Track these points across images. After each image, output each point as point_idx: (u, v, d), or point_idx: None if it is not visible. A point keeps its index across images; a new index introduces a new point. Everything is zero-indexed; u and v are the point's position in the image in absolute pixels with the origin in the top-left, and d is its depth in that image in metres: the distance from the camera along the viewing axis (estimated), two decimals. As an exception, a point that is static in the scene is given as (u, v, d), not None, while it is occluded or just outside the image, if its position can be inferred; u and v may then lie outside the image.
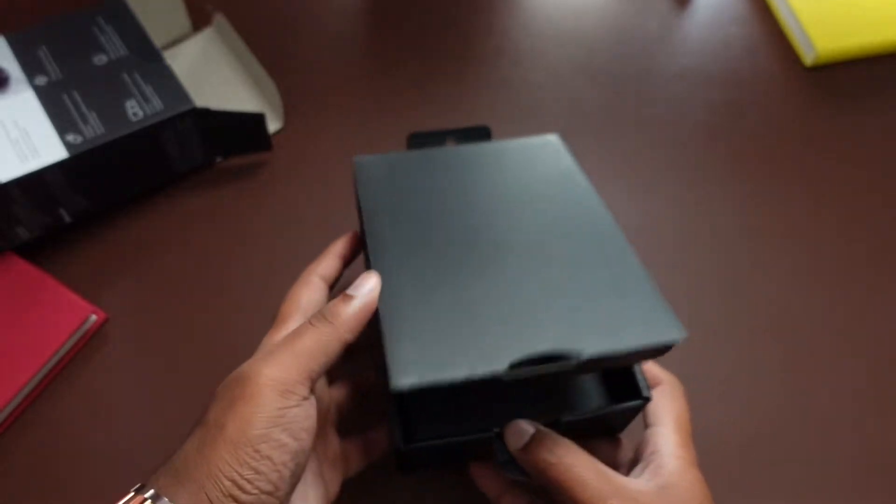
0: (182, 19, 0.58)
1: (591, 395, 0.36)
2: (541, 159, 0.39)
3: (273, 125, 0.54)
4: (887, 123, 0.57)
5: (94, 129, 0.45)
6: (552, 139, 0.42)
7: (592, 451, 0.35)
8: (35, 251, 0.48)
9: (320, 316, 0.30)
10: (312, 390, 0.30)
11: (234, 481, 0.26)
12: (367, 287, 0.31)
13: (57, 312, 0.44)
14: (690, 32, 0.62)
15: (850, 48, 0.59)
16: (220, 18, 0.57)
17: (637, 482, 0.29)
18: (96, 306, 0.46)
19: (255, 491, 0.27)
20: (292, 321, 0.33)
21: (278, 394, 0.28)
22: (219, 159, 0.53)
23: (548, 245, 0.34)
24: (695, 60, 0.60)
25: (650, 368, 0.36)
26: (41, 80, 0.47)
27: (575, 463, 0.29)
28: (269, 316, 0.47)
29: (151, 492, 0.26)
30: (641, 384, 0.34)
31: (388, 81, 0.58)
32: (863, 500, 0.42)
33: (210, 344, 0.46)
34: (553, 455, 0.29)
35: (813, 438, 0.44)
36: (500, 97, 0.57)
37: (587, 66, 0.60)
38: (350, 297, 0.31)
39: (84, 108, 0.46)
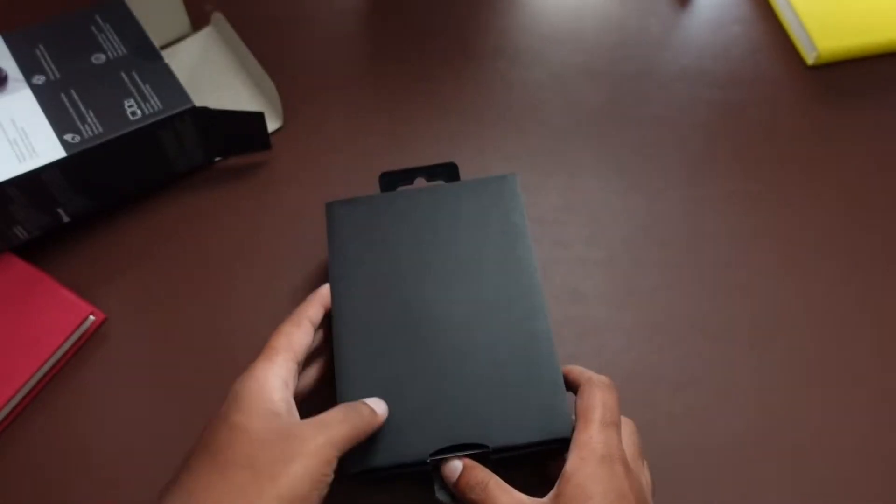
0: (181, 19, 0.58)
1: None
2: (492, 204, 0.44)
3: (272, 124, 0.54)
4: (889, 122, 0.57)
5: (92, 128, 0.45)
6: (508, 180, 0.45)
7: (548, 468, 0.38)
8: (33, 251, 0.47)
9: (357, 412, 0.35)
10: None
11: None
12: (377, 401, 0.37)
13: (55, 312, 0.44)
14: (691, 32, 0.62)
15: (851, 47, 0.59)
16: (219, 18, 0.57)
17: (540, 499, 0.33)
18: (95, 306, 0.46)
19: None
20: (280, 358, 0.35)
21: (325, 461, 0.31)
22: (218, 159, 0.53)
23: (477, 326, 0.40)
24: (695, 60, 0.60)
25: (573, 373, 0.38)
26: (39, 80, 0.47)
27: (495, 497, 0.33)
28: (269, 316, 0.46)
29: None
30: (565, 425, 0.37)
31: (387, 80, 0.58)
32: (862, 500, 0.42)
33: (209, 344, 0.46)
34: (475, 492, 0.34)
35: (813, 439, 0.44)
36: (499, 97, 0.57)
37: (587, 66, 0.60)
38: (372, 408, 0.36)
39: (82, 108, 0.46)
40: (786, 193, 0.53)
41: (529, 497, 0.33)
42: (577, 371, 0.38)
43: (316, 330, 0.39)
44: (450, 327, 0.40)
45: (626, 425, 0.37)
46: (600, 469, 0.32)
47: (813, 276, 0.50)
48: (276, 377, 0.34)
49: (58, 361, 0.44)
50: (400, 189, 0.46)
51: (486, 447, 0.36)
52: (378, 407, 0.36)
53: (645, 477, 0.36)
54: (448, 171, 0.47)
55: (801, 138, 0.56)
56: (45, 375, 0.44)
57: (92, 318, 0.45)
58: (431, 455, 0.36)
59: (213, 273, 0.48)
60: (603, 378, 0.37)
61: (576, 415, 0.35)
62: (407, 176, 0.47)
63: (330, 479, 0.31)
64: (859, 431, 0.44)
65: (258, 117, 0.50)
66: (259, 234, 0.50)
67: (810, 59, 0.59)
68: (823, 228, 0.52)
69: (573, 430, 0.35)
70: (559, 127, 0.56)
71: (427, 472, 0.37)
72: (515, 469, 0.36)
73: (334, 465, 0.31)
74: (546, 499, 0.33)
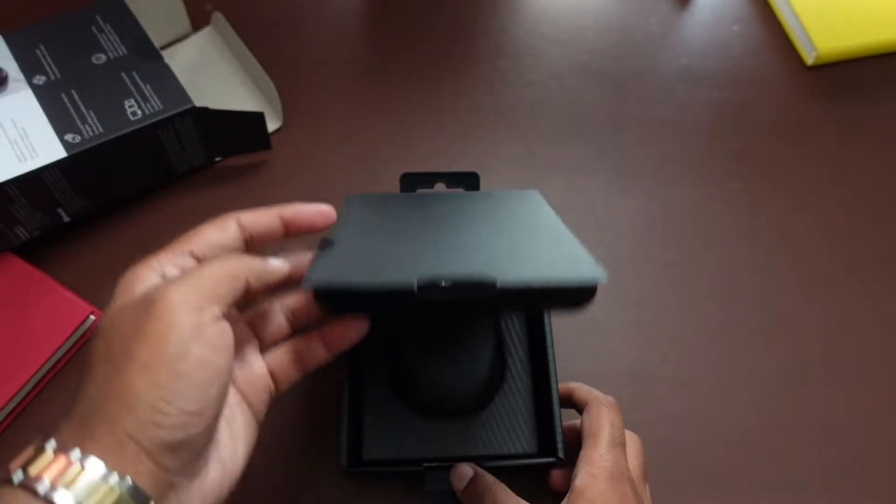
0: (181, 19, 0.58)
1: (522, 442, 0.41)
2: (521, 210, 0.38)
3: (272, 124, 0.54)
4: (888, 123, 0.57)
5: (92, 128, 0.45)
6: (533, 194, 0.41)
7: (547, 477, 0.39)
8: (34, 251, 0.47)
9: (231, 254, 0.30)
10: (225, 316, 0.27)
11: (152, 406, 0.24)
12: (298, 258, 0.31)
13: (56, 312, 0.44)
14: (691, 32, 0.62)
15: (851, 48, 0.59)
16: (218, 18, 0.57)
17: None
18: (95, 306, 0.46)
19: (177, 412, 0.24)
20: (166, 252, 0.29)
21: (191, 310, 0.25)
22: (218, 159, 0.53)
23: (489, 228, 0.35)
24: (695, 60, 0.60)
25: (580, 392, 0.38)
26: (40, 80, 0.47)
27: (499, 496, 0.34)
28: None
29: (52, 443, 0.24)
30: (559, 444, 0.37)
31: (387, 79, 0.58)
32: (862, 500, 0.42)
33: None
34: (484, 497, 0.34)
35: (813, 439, 0.44)
36: (499, 96, 0.57)
37: (587, 66, 0.60)
38: (272, 259, 0.31)
39: (83, 108, 0.46)
40: (785, 193, 0.53)
41: None
42: (584, 390, 0.38)
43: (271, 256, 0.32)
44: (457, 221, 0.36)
45: (635, 443, 0.37)
46: (610, 487, 0.33)
47: (813, 275, 0.50)
48: (148, 269, 0.29)
49: (58, 361, 0.44)
50: (420, 191, 0.44)
51: (493, 284, 0.27)
52: (274, 260, 0.31)
53: (647, 498, 0.36)
54: (469, 180, 0.46)
55: (801, 138, 0.56)
56: (45, 375, 0.44)
57: (92, 317, 0.45)
58: (426, 463, 0.37)
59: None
60: (610, 398, 0.37)
61: (583, 433, 0.36)
62: (428, 179, 0.46)
63: (210, 328, 0.26)
64: (860, 431, 0.44)
65: (258, 117, 0.50)
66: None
67: (810, 59, 0.59)
68: (823, 228, 0.52)
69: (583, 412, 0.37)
70: (559, 127, 0.56)
71: (420, 473, 0.37)
72: (515, 485, 0.36)
73: (214, 312, 0.26)
74: None
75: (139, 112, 0.46)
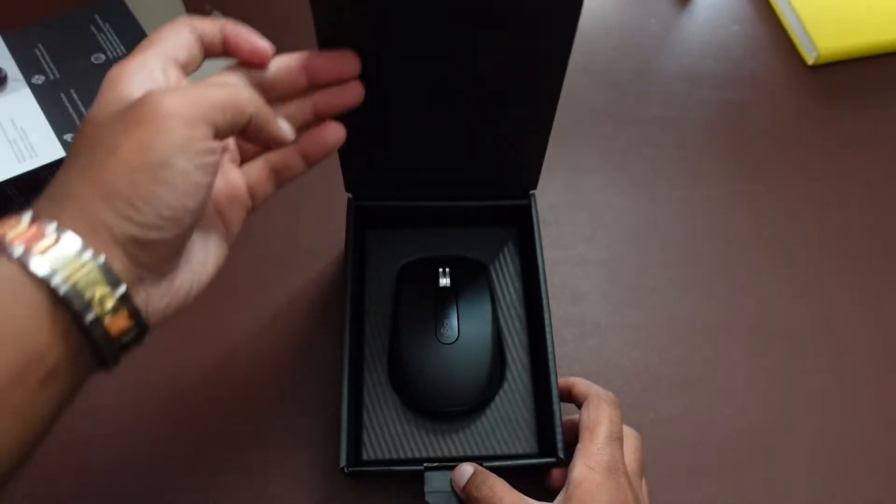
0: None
1: (522, 442, 0.42)
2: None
3: (272, 125, 0.54)
4: (889, 122, 0.57)
5: (92, 128, 0.45)
6: None
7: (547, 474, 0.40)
8: (33, 251, 0.47)
9: (244, 86, 0.30)
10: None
11: (129, 202, 0.24)
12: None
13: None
14: (691, 32, 0.62)
15: (851, 47, 0.59)
16: (218, 17, 0.57)
17: (547, 503, 0.34)
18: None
19: (152, 214, 0.24)
20: (140, 57, 0.28)
21: (183, 123, 0.25)
22: (217, 159, 0.53)
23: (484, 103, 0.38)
24: (696, 60, 0.60)
25: (579, 386, 0.38)
26: (39, 80, 0.47)
27: (501, 496, 0.34)
28: (270, 317, 0.46)
29: (28, 215, 0.23)
30: (559, 444, 0.38)
31: (387, 81, 0.58)
32: (862, 501, 0.42)
33: (209, 343, 0.46)
34: (482, 491, 0.35)
35: (812, 440, 0.44)
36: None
37: (587, 66, 0.59)
38: (283, 121, 0.31)
39: (82, 108, 0.46)
40: (786, 193, 0.53)
41: (535, 500, 0.34)
42: (584, 384, 0.39)
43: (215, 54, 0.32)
44: (460, 96, 0.37)
45: (634, 439, 0.37)
46: (607, 479, 0.33)
47: (813, 275, 0.50)
48: (134, 71, 0.27)
49: (57, 361, 0.44)
50: None
51: None
52: (285, 123, 0.31)
53: (643, 494, 0.36)
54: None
55: (801, 138, 0.56)
56: (44, 375, 0.44)
57: (91, 318, 0.45)
58: (425, 463, 0.38)
59: (212, 273, 0.48)
60: (609, 394, 0.37)
61: (581, 427, 0.36)
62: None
63: (200, 144, 0.25)
64: (860, 432, 0.44)
65: (258, 117, 0.50)
66: (258, 234, 0.50)
67: (810, 59, 0.59)
68: (823, 228, 0.52)
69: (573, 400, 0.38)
70: (559, 127, 0.56)
71: (419, 473, 0.38)
72: (515, 485, 0.36)
73: (206, 131, 0.26)
74: (555, 503, 0.34)
75: (138, 112, 0.46)
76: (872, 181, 0.54)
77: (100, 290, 0.23)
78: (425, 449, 0.41)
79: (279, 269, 0.49)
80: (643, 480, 0.37)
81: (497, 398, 0.42)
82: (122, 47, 0.49)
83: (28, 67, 0.47)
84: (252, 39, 0.32)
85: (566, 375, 0.40)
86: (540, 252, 0.43)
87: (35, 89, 0.46)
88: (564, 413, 0.38)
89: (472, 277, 0.45)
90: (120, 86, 0.26)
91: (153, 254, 0.25)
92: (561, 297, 0.48)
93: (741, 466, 0.43)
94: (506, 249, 0.48)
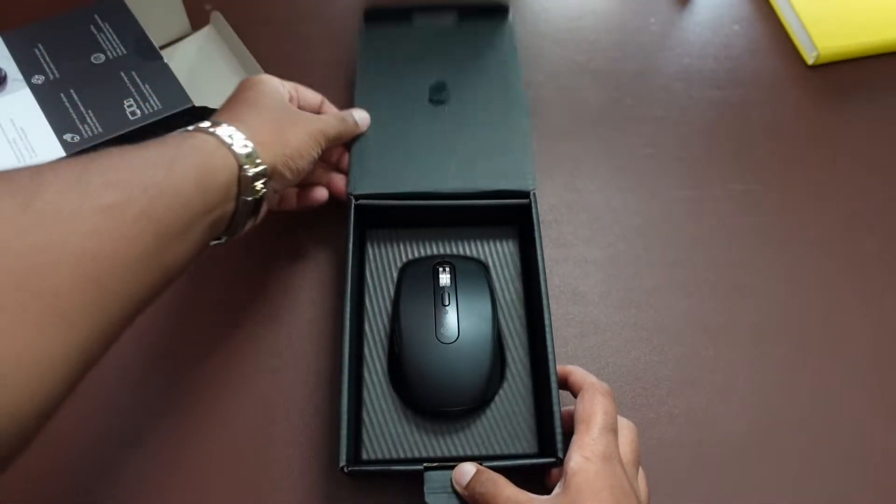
0: (180, 18, 0.58)
1: (521, 442, 0.42)
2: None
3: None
4: (889, 122, 0.57)
5: (91, 128, 0.45)
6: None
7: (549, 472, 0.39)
8: (33, 251, 0.47)
9: (345, 120, 0.46)
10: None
11: (295, 152, 0.40)
12: (363, 116, 0.48)
13: (54, 312, 0.44)
14: (691, 32, 0.62)
15: (851, 47, 0.59)
16: (218, 17, 0.57)
17: (546, 497, 0.34)
18: (94, 306, 0.46)
19: (297, 168, 0.40)
20: (275, 78, 0.44)
21: (320, 134, 0.42)
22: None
23: (470, 113, 0.49)
24: (695, 60, 0.60)
25: (575, 376, 0.39)
26: (39, 79, 0.47)
27: (501, 493, 0.35)
28: (269, 316, 0.46)
29: (230, 126, 0.37)
30: (559, 445, 0.37)
31: (387, 81, 0.58)
32: (861, 500, 0.42)
33: (208, 344, 0.46)
34: (485, 486, 0.35)
35: (812, 439, 0.44)
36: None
37: (587, 66, 0.59)
38: (356, 120, 0.47)
39: (82, 108, 0.46)
40: (786, 193, 0.53)
41: (537, 496, 0.34)
42: (579, 374, 0.39)
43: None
44: (449, 115, 0.49)
45: (630, 430, 0.38)
46: (605, 467, 0.33)
47: (813, 275, 0.50)
48: (277, 80, 0.43)
49: (57, 361, 0.44)
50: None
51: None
52: (362, 121, 0.47)
53: (641, 484, 0.37)
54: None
55: (801, 138, 0.56)
56: (44, 375, 0.44)
57: (91, 318, 0.45)
58: (425, 463, 0.37)
59: (210, 272, 0.48)
60: (604, 385, 0.38)
61: (576, 418, 0.36)
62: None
63: (317, 153, 0.42)
64: (859, 432, 0.44)
65: (258, 117, 0.50)
66: (257, 233, 0.50)
67: (810, 58, 0.59)
68: (824, 228, 0.52)
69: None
70: (559, 127, 0.56)
71: (419, 473, 0.37)
72: (515, 482, 0.36)
73: (322, 144, 0.42)
74: (553, 495, 0.34)
75: (138, 112, 0.46)
76: (872, 181, 0.54)
77: (259, 181, 0.37)
78: (425, 449, 0.41)
79: (279, 268, 0.49)
80: (641, 472, 0.37)
81: (497, 398, 0.42)
82: (121, 47, 0.49)
83: (28, 67, 0.47)
84: (313, 97, 0.47)
85: (564, 363, 0.40)
86: (540, 252, 0.43)
87: (35, 89, 0.46)
88: (563, 404, 0.38)
89: (472, 277, 0.45)
90: (276, 85, 0.43)
91: (283, 182, 0.40)
92: (561, 297, 0.48)
93: (741, 466, 0.43)
94: (506, 249, 0.48)
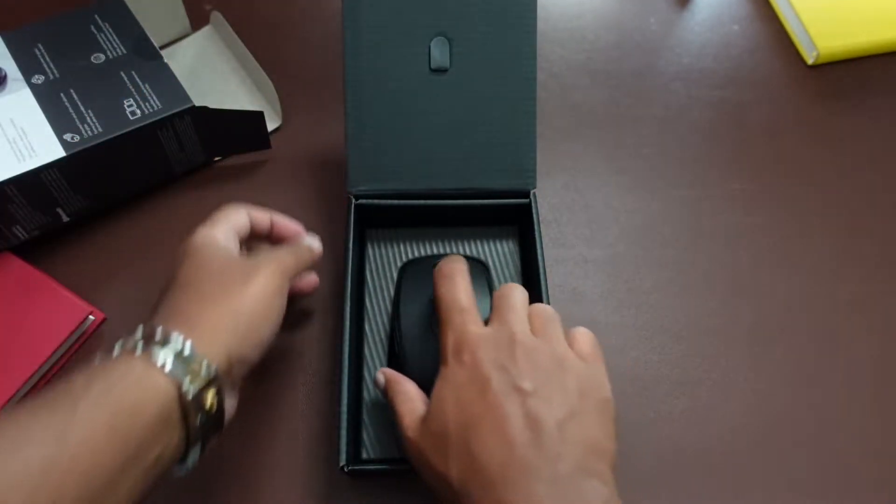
0: (180, 18, 0.58)
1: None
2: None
3: (271, 124, 0.54)
4: (889, 122, 0.57)
5: (91, 128, 0.45)
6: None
7: None
8: (33, 251, 0.47)
9: (299, 249, 0.40)
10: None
11: (249, 329, 0.34)
12: (313, 240, 0.42)
13: (55, 312, 0.44)
14: (691, 32, 0.62)
15: (851, 47, 0.59)
16: (218, 17, 0.57)
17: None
18: (94, 306, 0.46)
19: (260, 340, 0.35)
20: (220, 225, 0.38)
21: (280, 279, 0.37)
22: (217, 158, 0.53)
23: (474, 93, 0.45)
24: (695, 60, 0.60)
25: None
26: (39, 79, 0.47)
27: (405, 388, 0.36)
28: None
29: (160, 327, 0.32)
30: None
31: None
32: (860, 500, 0.42)
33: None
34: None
35: (812, 439, 0.44)
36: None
37: (587, 66, 0.59)
38: (310, 246, 0.42)
39: (82, 107, 0.45)
40: (785, 193, 0.53)
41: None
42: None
43: (257, 239, 0.42)
44: (451, 88, 0.44)
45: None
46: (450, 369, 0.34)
47: (813, 275, 0.50)
48: (219, 233, 0.38)
49: (57, 361, 0.44)
50: None
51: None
52: (314, 245, 0.42)
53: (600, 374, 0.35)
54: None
55: (801, 138, 0.56)
56: (44, 375, 0.44)
57: (91, 318, 0.45)
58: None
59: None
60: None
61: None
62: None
63: (283, 297, 0.37)
64: (858, 432, 0.44)
65: (257, 116, 0.50)
66: (258, 233, 0.50)
67: (810, 58, 0.59)
68: (823, 228, 0.52)
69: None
70: (559, 127, 0.56)
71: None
72: None
73: (286, 286, 0.37)
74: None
75: (138, 111, 0.46)
76: (872, 180, 0.54)
77: (210, 391, 0.31)
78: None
79: (279, 268, 0.49)
80: (595, 363, 0.35)
81: None
82: (121, 47, 0.49)
83: (28, 67, 0.47)
84: (291, 226, 0.43)
85: None
86: (540, 252, 0.43)
87: (35, 89, 0.46)
88: None
89: (473, 277, 0.45)
90: (216, 243, 0.37)
91: (245, 365, 0.34)
92: (561, 297, 0.48)
93: (741, 466, 0.43)
94: (506, 249, 0.48)
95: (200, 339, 0.31)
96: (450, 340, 0.34)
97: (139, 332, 0.31)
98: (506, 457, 0.29)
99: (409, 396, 0.35)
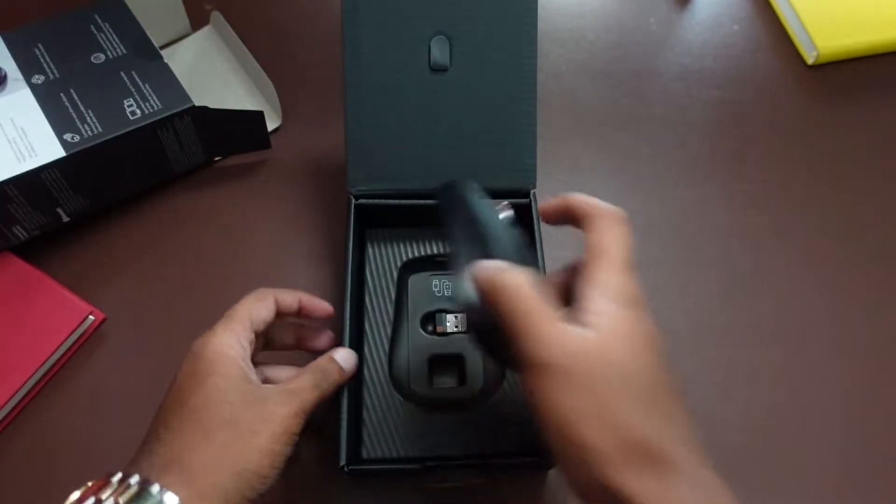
0: (180, 18, 0.58)
1: (523, 439, 0.41)
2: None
3: (271, 124, 0.54)
4: (889, 122, 0.57)
5: (91, 128, 0.45)
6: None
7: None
8: (33, 251, 0.47)
9: (325, 375, 0.35)
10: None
11: (251, 481, 0.31)
12: (347, 356, 0.37)
13: (55, 312, 0.44)
14: (691, 32, 0.62)
15: (851, 47, 0.59)
16: (218, 17, 0.57)
17: (575, 334, 0.28)
18: (94, 306, 0.46)
19: (260, 489, 0.32)
20: (239, 325, 0.35)
21: (296, 423, 0.32)
22: (217, 158, 0.53)
23: (475, 94, 0.44)
24: (695, 60, 0.60)
25: (577, 202, 0.34)
26: (39, 79, 0.47)
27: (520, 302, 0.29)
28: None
29: (157, 487, 0.28)
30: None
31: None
32: (863, 500, 0.42)
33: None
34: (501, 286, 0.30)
35: (811, 439, 0.44)
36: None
37: (587, 66, 0.59)
38: (341, 366, 0.36)
39: (82, 107, 0.46)
40: (785, 193, 0.53)
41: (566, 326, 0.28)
42: (582, 201, 0.34)
43: (280, 322, 0.39)
44: (451, 87, 0.43)
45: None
46: (635, 314, 0.30)
47: (813, 275, 0.50)
48: (238, 342, 0.34)
49: (57, 361, 0.44)
50: None
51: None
52: (346, 363, 0.37)
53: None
54: None
55: (801, 138, 0.56)
56: (44, 375, 0.44)
57: (91, 317, 0.45)
58: (427, 462, 0.37)
59: (212, 272, 0.48)
60: (619, 210, 0.32)
61: (589, 251, 0.31)
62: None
63: (295, 439, 0.33)
64: (859, 431, 0.44)
65: (257, 116, 0.50)
66: (258, 233, 0.50)
67: (810, 58, 0.59)
68: (823, 227, 0.52)
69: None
70: (559, 127, 0.56)
71: (419, 472, 0.37)
72: (516, 482, 0.36)
73: (301, 425, 0.33)
74: (580, 335, 0.28)
75: (138, 111, 0.46)
76: (872, 180, 0.54)
77: None
78: (425, 446, 0.41)
79: (280, 268, 0.49)
80: None
81: (497, 397, 0.42)
82: (121, 47, 0.49)
83: (28, 67, 0.47)
84: (322, 308, 0.40)
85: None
86: (540, 251, 0.43)
87: (35, 89, 0.46)
88: None
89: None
90: (229, 361, 0.33)
91: None
92: (561, 297, 0.48)
93: (741, 466, 0.43)
94: None
95: (202, 491, 0.29)
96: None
97: (135, 481, 0.29)
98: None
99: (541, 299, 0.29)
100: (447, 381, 0.42)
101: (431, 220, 0.47)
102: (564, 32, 0.61)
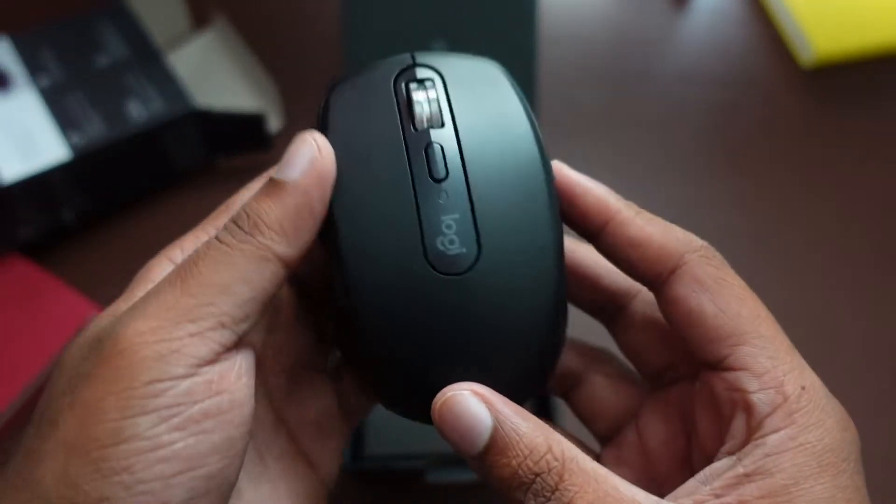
0: (182, 20, 0.58)
1: None
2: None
3: (273, 125, 0.54)
4: (887, 126, 0.57)
5: (96, 129, 0.45)
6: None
7: None
8: (37, 251, 0.48)
9: (232, 226, 0.20)
10: (238, 344, 0.19)
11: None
12: (306, 157, 0.20)
13: (59, 312, 0.45)
14: (688, 33, 0.62)
15: (848, 50, 0.59)
16: (220, 19, 0.57)
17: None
18: (99, 306, 0.46)
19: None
20: (196, 236, 0.23)
21: (153, 358, 0.17)
22: (219, 159, 0.53)
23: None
24: (692, 61, 0.60)
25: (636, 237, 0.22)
26: (44, 81, 0.47)
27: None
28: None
29: None
30: None
31: (388, 81, 0.58)
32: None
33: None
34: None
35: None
36: (499, 97, 0.57)
37: (586, 66, 0.60)
38: (279, 186, 0.20)
39: (86, 109, 0.46)
40: (782, 195, 0.54)
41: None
42: (633, 227, 0.23)
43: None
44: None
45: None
46: (827, 400, 0.20)
47: (809, 277, 0.50)
48: (167, 262, 0.25)
49: (62, 360, 0.45)
50: None
51: None
52: (297, 158, 0.21)
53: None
54: None
55: (798, 140, 0.56)
56: (48, 375, 0.44)
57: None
58: (430, 459, 0.37)
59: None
60: (703, 243, 0.22)
61: (711, 322, 0.21)
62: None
63: (185, 385, 0.18)
64: (860, 431, 0.44)
65: (259, 118, 0.50)
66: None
67: (807, 61, 0.60)
68: (820, 230, 0.52)
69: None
70: (557, 127, 0.56)
71: (422, 470, 0.38)
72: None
73: (202, 352, 0.18)
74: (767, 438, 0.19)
75: (141, 113, 0.46)
76: (870, 183, 0.54)
77: None
78: (429, 443, 0.41)
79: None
80: None
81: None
82: (125, 49, 0.49)
83: (33, 69, 0.47)
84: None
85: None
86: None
87: (40, 91, 0.46)
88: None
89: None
90: (142, 286, 0.22)
91: None
92: (560, 297, 0.48)
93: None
94: None
95: None
96: None
97: None
98: None
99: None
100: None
101: None
102: (564, 32, 0.62)
